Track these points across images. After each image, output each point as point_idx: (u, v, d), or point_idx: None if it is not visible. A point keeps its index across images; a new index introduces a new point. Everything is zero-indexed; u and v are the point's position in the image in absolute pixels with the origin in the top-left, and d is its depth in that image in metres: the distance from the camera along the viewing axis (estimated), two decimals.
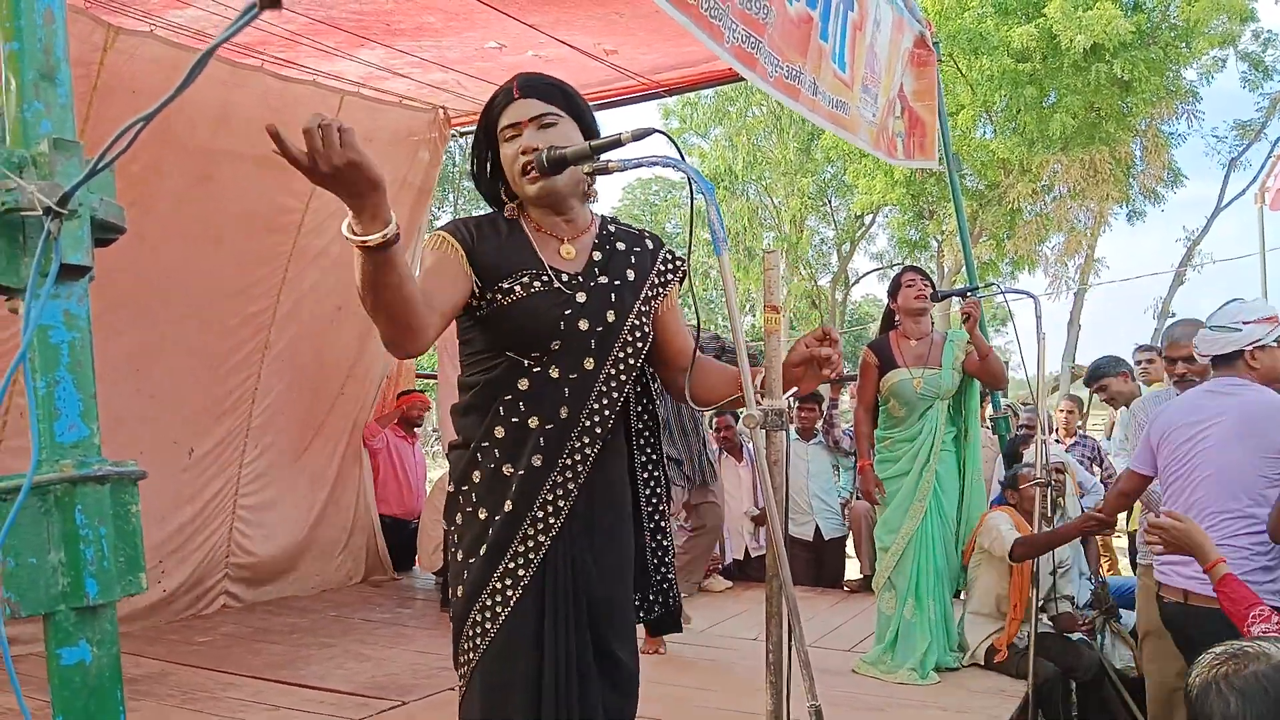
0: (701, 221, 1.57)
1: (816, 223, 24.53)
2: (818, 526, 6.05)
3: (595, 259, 1.88)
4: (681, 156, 1.60)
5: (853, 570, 6.28)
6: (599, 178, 1.83)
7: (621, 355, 1.85)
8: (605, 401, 1.84)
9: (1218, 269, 22.49)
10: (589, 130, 1.86)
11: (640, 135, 1.66)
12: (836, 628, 4.91)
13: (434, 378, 9.64)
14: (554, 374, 1.80)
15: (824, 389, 6.41)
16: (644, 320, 1.89)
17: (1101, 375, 5.12)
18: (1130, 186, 17.72)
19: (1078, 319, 19.62)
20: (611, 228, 1.96)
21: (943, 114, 5.93)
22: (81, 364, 0.92)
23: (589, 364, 1.82)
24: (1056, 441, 6.43)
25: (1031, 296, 4.09)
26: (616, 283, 1.87)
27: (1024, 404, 7.36)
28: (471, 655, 1.83)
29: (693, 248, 1.87)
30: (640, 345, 1.88)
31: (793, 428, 6.19)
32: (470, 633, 1.83)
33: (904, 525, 4.04)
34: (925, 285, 4.18)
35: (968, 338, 4.16)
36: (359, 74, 5.14)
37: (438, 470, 10.37)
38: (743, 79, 3.80)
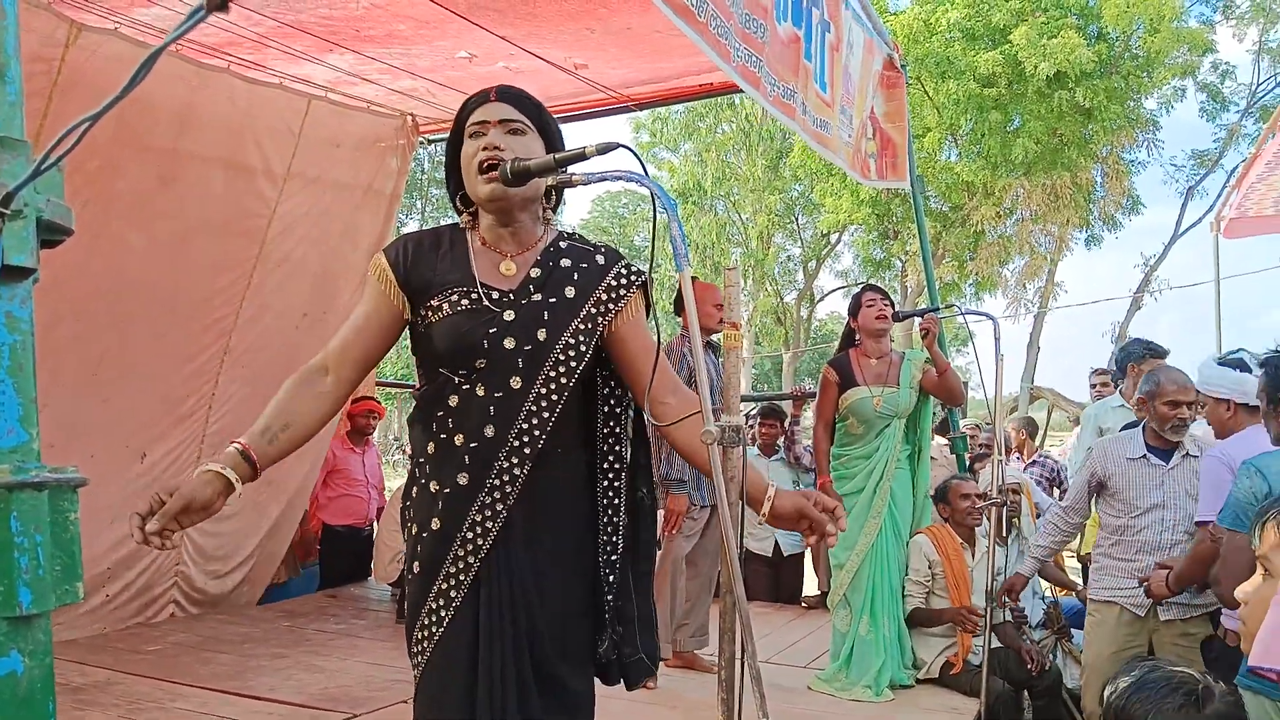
0: (664, 237, 1.57)
1: (783, 240, 24.72)
2: (776, 542, 6.06)
3: (533, 276, 1.83)
4: (645, 171, 1.60)
5: (811, 586, 6.29)
6: (568, 191, 1.83)
7: (553, 374, 1.80)
8: (535, 421, 1.79)
9: (1174, 295, 23.00)
10: (553, 150, 1.84)
11: (605, 149, 1.65)
12: (793, 644, 4.92)
13: (396, 385, 9.58)
14: (480, 392, 1.78)
15: (786, 405, 6.43)
16: (581, 339, 1.82)
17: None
18: (1090, 212, 18.04)
19: (1037, 341, 19.92)
20: (563, 244, 1.90)
21: (908, 136, 5.99)
22: (23, 368, 0.89)
23: (515, 383, 1.78)
24: (1018, 459, 6.51)
25: (990, 318, 4.15)
26: (552, 300, 1.82)
27: (987, 423, 7.44)
28: (416, 673, 1.85)
29: (658, 262, 1.82)
30: (575, 365, 1.81)
31: (754, 444, 6.21)
32: (414, 650, 1.85)
33: (859, 542, 4.06)
34: (886, 305, 4.21)
35: (925, 356, 4.20)
36: (327, 78, 5.10)
37: (397, 480, 10.27)
38: (713, 95, 3.82)
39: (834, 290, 26.98)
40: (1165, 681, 1.53)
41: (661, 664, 4.10)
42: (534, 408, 1.79)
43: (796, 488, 6.22)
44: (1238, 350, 3.44)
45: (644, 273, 1.91)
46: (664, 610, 4.13)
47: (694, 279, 4.00)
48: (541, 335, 1.80)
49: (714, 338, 4.28)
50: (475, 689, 1.76)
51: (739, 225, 23.66)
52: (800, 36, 4.01)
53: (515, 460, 1.79)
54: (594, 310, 1.85)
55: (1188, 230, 19.96)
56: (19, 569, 0.86)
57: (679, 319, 4.41)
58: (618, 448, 1.95)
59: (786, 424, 6.27)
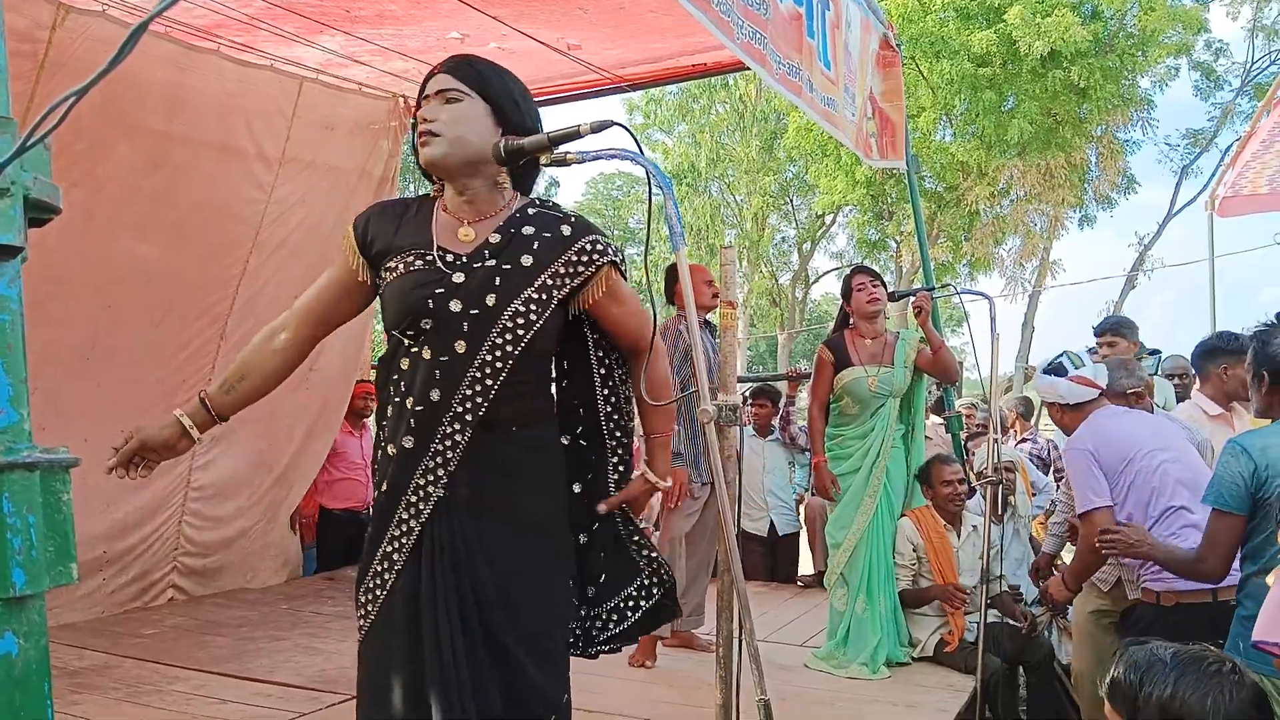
0: (660, 217, 1.57)
1: (778, 221, 24.68)
2: (772, 522, 6.08)
3: (491, 241, 1.83)
4: (640, 150, 1.60)
5: (807, 566, 6.32)
6: (563, 170, 1.83)
7: (499, 341, 1.78)
8: (479, 388, 1.78)
9: (1169, 274, 23.07)
10: (503, 115, 1.82)
11: (599, 127, 1.65)
12: (789, 622, 4.94)
13: None
14: (426, 355, 1.79)
15: (781, 386, 6.44)
16: (533, 309, 1.80)
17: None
18: (1085, 192, 18.04)
19: (1032, 320, 19.95)
20: (531, 211, 1.88)
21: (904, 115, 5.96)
22: (12, 347, 0.89)
23: (460, 347, 1.77)
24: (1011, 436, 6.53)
25: (986, 298, 4.15)
26: (506, 267, 1.80)
27: (985, 402, 7.45)
28: (359, 636, 1.87)
29: (651, 245, 1.80)
30: (523, 333, 1.79)
31: (749, 424, 6.22)
32: (358, 611, 1.87)
33: (855, 521, 4.08)
34: (877, 287, 4.19)
35: (919, 335, 4.20)
36: (318, 60, 5.06)
37: None
38: (708, 75, 3.79)
39: (829, 271, 26.97)
40: (1203, 662, 1.52)
41: (659, 643, 4.12)
42: (478, 374, 1.78)
43: (792, 468, 6.26)
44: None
45: (611, 249, 1.89)
46: None
47: None
48: (490, 300, 1.78)
49: (709, 317, 4.26)
50: (419, 651, 1.76)
51: (733, 207, 23.61)
52: (802, 14, 3.98)
53: (458, 426, 1.79)
54: (550, 281, 1.83)
55: (1182, 209, 20.03)
56: (12, 550, 0.86)
57: (672, 305, 4.38)
58: (620, 416, 2.01)
59: (781, 404, 6.28)
